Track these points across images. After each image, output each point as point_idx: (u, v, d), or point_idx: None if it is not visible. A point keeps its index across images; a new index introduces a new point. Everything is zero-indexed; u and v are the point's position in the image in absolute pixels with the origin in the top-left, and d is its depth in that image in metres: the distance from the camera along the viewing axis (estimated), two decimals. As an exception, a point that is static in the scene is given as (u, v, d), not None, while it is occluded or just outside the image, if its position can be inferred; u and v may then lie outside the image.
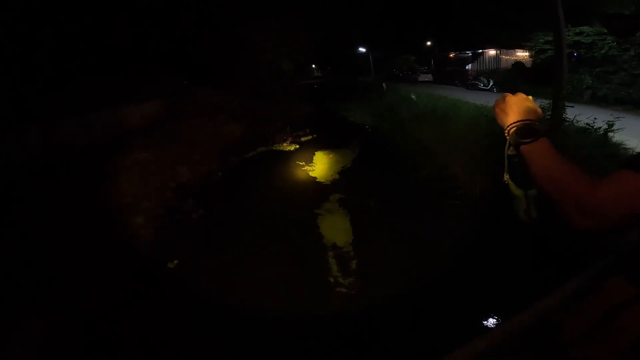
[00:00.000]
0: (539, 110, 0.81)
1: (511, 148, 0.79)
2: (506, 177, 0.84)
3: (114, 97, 10.91)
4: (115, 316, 4.08)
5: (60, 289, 4.25)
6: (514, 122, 0.78)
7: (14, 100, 8.24)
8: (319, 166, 10.16)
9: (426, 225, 5.85)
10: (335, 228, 6.23)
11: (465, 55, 24.47)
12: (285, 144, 13.00)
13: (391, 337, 3.71)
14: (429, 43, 29.19)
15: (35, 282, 4.27)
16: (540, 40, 14.87)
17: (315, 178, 9.11)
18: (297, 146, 12.76)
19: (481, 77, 19.12)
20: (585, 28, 13.21)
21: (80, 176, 6.97)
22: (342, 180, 8.77)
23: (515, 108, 0.79)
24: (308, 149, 12.09)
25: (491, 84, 17.86)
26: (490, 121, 7.95)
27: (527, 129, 0.75)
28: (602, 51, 12.52)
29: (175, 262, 5.29)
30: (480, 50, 23.08)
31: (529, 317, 0.77)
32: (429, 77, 27.07)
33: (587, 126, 6.12)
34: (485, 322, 3.81)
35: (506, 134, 0.81)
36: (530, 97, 0.83)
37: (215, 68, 18.94)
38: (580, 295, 0.79)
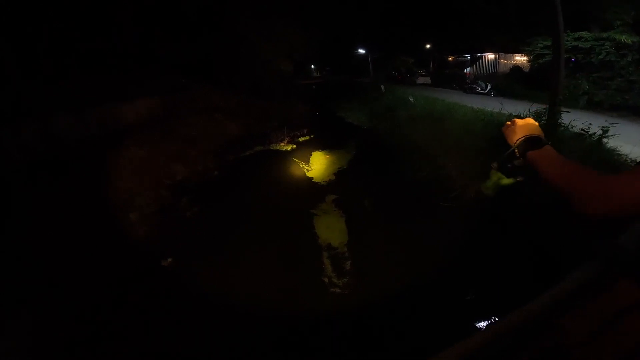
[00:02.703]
0: (540, 129, 0.96)
1: (517, 157, 0.95)
2: (494, 165, 1.04)
3: (111, 94, 10.85)
4: (107, 314, 4.06)
5: (53, 285, 4.22)
6: (522, 136, 0.93)
7: (10, 95, 8.19)
8: (316, 166, 10.16)
9: (421, 226, 5.85)
10: (331, 228, 6.23)
11: (464, 58, 24.54)
12: (282, 144, 12.99)
13: (384, 336, 3.71)
14: (428, 46, 29.26)
15: (28, 278, 4.23)
16: (538, 44, 14.90)
17: (311, 178, 9.11)
18: (294, 146, 12.76)
19: (479, 81, 19.17)
20: (584, 33, 13.22)
21: (75, 172, 6.93)
22: (338, 181, 8.78)
23: (523, 127, 0.95)
24: (305, 149, 12.09)
25: (489, 88, 17.90)
26: (486, 125, 7.99)
27: (534, 140, 0.91)
28: (600, 56, 12.56)
29: (169, 260, 5.27)
30: (479, 54, 23.17)
31: (524, 316, 0.78)
32: (427, 79, 27.15)
33: (582, 132, 6.14)
34: (477, 322, 3.82)
35: (515, 147, 0.95)
36: (533, 121, 0.99)
37: (215, 66, 18.90)
38: (575, 295, 0.80)
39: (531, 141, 0.91)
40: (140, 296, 4.40)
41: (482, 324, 3.80)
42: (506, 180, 1.01)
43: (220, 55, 18.52)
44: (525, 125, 0.96)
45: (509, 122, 1.01)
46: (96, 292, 4.30)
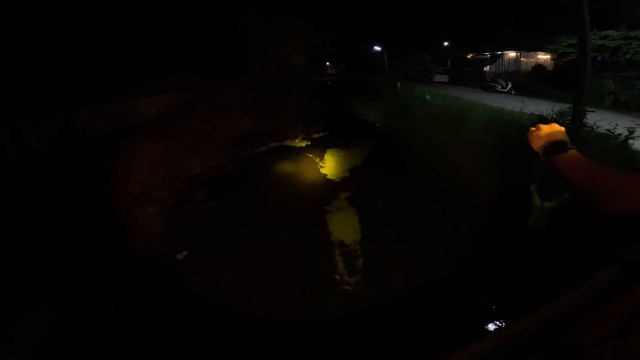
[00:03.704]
0: (565, 134, 0.97)
1: (542, 162, 0.95)
2: (533, 187, 1.02)
3: (131, 90, 11.11)
4: (120, 307, 4.13)
5: (68, 278, 4.33)
6: (547, 142, 0.95)
7: (34, 90, 8.48)
8: (330, 163, 10.14)
9: (435, 226, 5.78)
10: (344, 226, 6.21)
11: (484, 56, 23.88)
12: (296, 140, 13.01)
13: (395, 337, 3.67)
14: (445, 43, 28.67)
15: (44, 270, 4.35)
16: (563, 43, 14.45)
17: (325, 175, 9.10)
18: (309, 143, 12.76)
19: (499, 79, 18.64)
20: (610, 32, 12.77)
21: (95, 164, 7.12)
22: (352, 179, 8.73)
23: (548, 132, 0.96)
24: (319, 146, 12.07)
25: (509, 86, 17.40)
26: (506, 124, 7.79)
27: (559, 144, 0.92)
28: (627, 56, 12.09)
29: (184, 253, 5.35)
30: (500, 52, 22.52)
31: (541, 317, 0.78)
32: (444, 77, 26.60)
33: (608, 132, 5.93)
34: (492, 323, 3.75)
35: (540, 152, 0.96)
36: (558, 126, 1.00)
37: (229, 63, 19.10)
38: (594, 298, 0.79)
39: (556, 146, 0.92)
40: (153, 290, 4.47)
41: (499, 326, 3.73)
42: (549, 204, 0.99)
43: (235, 53, 18.72)
44: (551, 130, 0.97)
45: (533, 128, 1.02)
46: (108, 286, 4.39)
